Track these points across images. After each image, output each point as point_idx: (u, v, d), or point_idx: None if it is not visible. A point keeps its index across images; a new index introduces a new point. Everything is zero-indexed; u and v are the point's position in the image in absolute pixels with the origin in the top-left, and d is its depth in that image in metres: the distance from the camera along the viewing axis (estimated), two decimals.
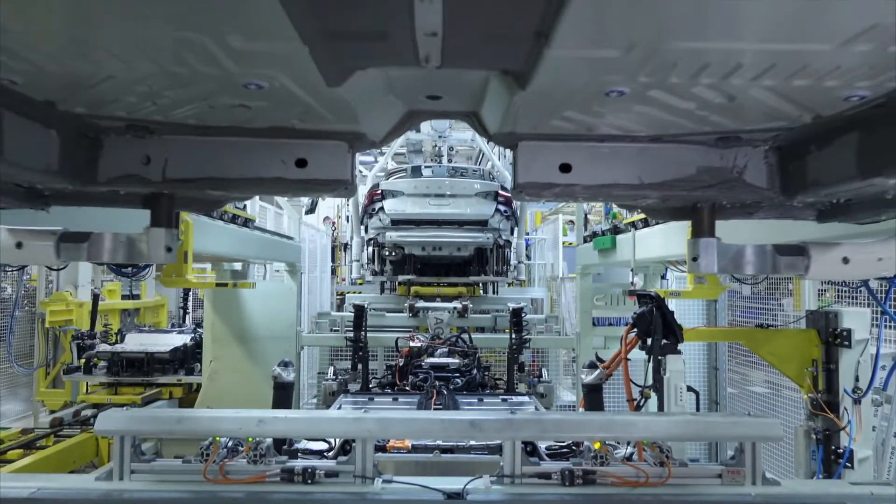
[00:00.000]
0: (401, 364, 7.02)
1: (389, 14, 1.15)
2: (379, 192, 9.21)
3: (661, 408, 4.51)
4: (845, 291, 6.32)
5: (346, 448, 3.67)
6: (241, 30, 1.18)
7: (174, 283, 5.38)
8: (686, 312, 8.11)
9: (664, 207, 2.33)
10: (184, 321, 12.13)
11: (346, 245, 13.21)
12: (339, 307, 12.30)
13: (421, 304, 9.11)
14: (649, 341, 4.50)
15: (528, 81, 1.40)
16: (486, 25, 1.20)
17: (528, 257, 12.40)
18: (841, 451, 4.60)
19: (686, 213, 2.22)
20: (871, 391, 4.67)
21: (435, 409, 5.23)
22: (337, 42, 1.28)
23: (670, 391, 4.45)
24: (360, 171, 11.81)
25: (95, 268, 9.45)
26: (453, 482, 3.06)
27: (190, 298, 12.86)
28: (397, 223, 9.04)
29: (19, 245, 2.17)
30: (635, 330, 4.57)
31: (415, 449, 4.09)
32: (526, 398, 5.96)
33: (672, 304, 5.21)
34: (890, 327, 5.38)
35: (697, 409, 5.01)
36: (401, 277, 9.50)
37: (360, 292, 11.62)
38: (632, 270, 6.71)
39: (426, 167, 10.13)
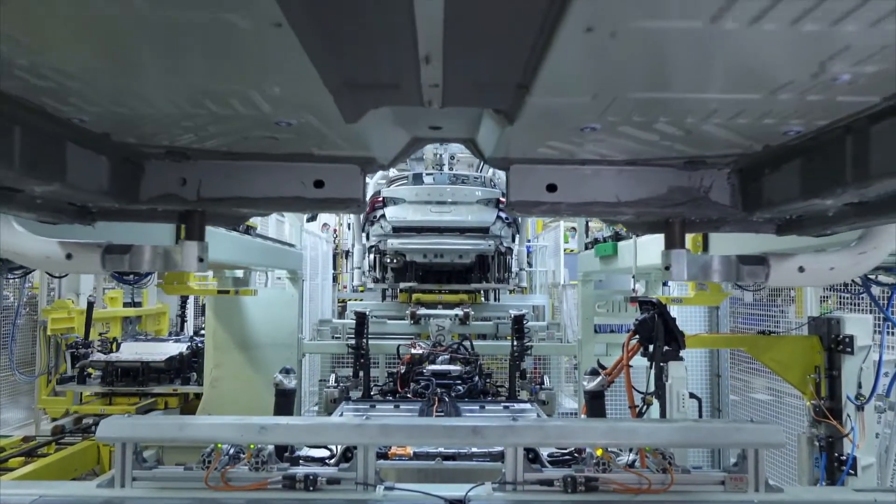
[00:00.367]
0: (402, 371, 7.02)
1: (401, 72, 1.42)
2: (380, 199, 9.22)
3: (663, 414, 4.51)
4: (847, 298, 6.31)
5: (347, 455, 3.66)
6: (280, 83, 1.42)
7: (176, 291, 5.40)
8: (688, 319, 8.09)
9: (640, 222, 2.54)
10: (181, 329, 12.06)
11: (347, 252, 13.22)
12: (341, 314, 12.28)
13: (422, 311, 9.10)
14: (651, 348, 4.50)
15: (515, 119, 1.63)
16: (478, 79, 1.49)
17: (530, 264, 12.39)
18: (844, 457, 4.58)
19: (659, 227, 2.43)
20: (873, 398, 4.66)
21: (437, 416, 5.23)
22: (356, 90, 1.53)
23: (672, 398, 4.44)
24: None
25: (97, 275, 9.45)
26: (455, 489, 3.06)
27: (189, 306, 12.82)
28: (399, 230, 9.04)
29: (69, 256, 2.39)
30: (637, 337, 4.57)
31: (416, 456, 4.09)
32: (528, 405, 5.96)
33: (674, 311, 5.20)
34: (892, 334, 5.37)
35: (700, 415, 5.00)
36: (402, 285, 9.50)
37: (361, 299, 11.62)
38: (633, 277, 6.71)
39: (427, 174, 10.13)
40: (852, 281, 4.64)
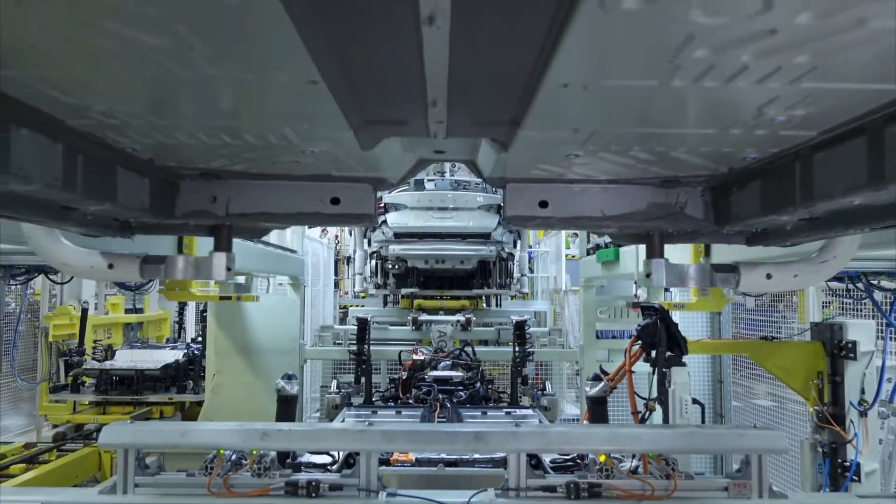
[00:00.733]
0: (404, 377, 7.01)
1: (412, 113, 1.70)
2: (382, 205, 9.22)
3: (665, 420, 4.50)
4: (850, 304, 6.30)
5: (349, 461, 3.66)
6: (311, 122, 1.67)
7: (178, 297, 5.40)
8: (690, 325, 8.09)
9: (623, 234, 2.79)
10: (178, 336, 11.96)
11: (348, 258, 13.21)
12: (343, 320, 12.26)
13: (424, 317, 9.09)
14: (653, 353, 4.49)
15: (509, 146, 1.86)
16: (477, 116, 1.77)
17: (531, 270, 12.38)
18: (847, 463, 4.57)
19: (641, 238, 2.67)
20: (877, 403, 4.65)
21: (439, 422, 5.21)
22: (372, 126, 1.78)
23: (675, 403, 4.43)
24: None
25: (99, 282, 9.44)
26: (458, 496, 3.05)
27: (188, 312, 12.73)
28: (400, 236, 9.04)
29: (111, 266, 2.62)
30: (639, 342, 4.57)
31: (419, 462, 4.08)
32: (530, 411, 5.94)
33: (676, 317, 5.20)
34: (895, 339, 5.36)
35: (703, 421, 4.99)
36: (404, 290, 9.49)
37: (363, 305, 11.61)
38: (635, 283, 6.70)
39: (429, 180, 10.13)
40: (855, 286, 4.64)
